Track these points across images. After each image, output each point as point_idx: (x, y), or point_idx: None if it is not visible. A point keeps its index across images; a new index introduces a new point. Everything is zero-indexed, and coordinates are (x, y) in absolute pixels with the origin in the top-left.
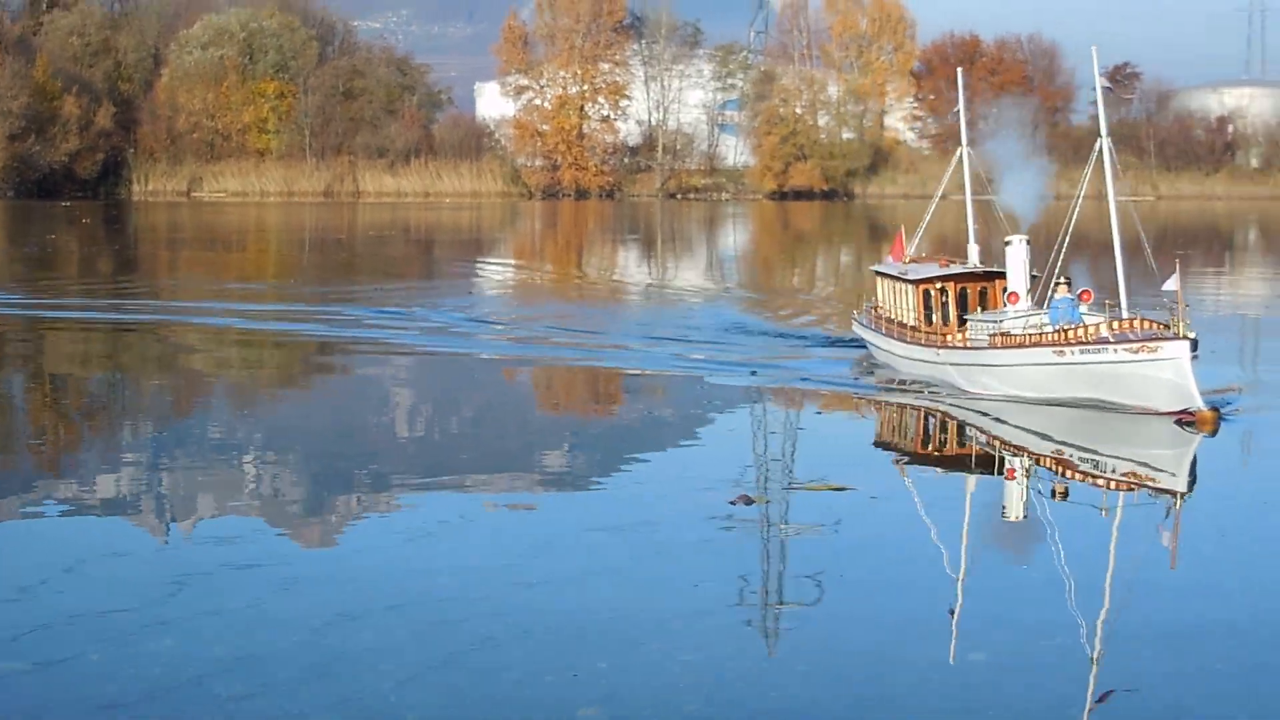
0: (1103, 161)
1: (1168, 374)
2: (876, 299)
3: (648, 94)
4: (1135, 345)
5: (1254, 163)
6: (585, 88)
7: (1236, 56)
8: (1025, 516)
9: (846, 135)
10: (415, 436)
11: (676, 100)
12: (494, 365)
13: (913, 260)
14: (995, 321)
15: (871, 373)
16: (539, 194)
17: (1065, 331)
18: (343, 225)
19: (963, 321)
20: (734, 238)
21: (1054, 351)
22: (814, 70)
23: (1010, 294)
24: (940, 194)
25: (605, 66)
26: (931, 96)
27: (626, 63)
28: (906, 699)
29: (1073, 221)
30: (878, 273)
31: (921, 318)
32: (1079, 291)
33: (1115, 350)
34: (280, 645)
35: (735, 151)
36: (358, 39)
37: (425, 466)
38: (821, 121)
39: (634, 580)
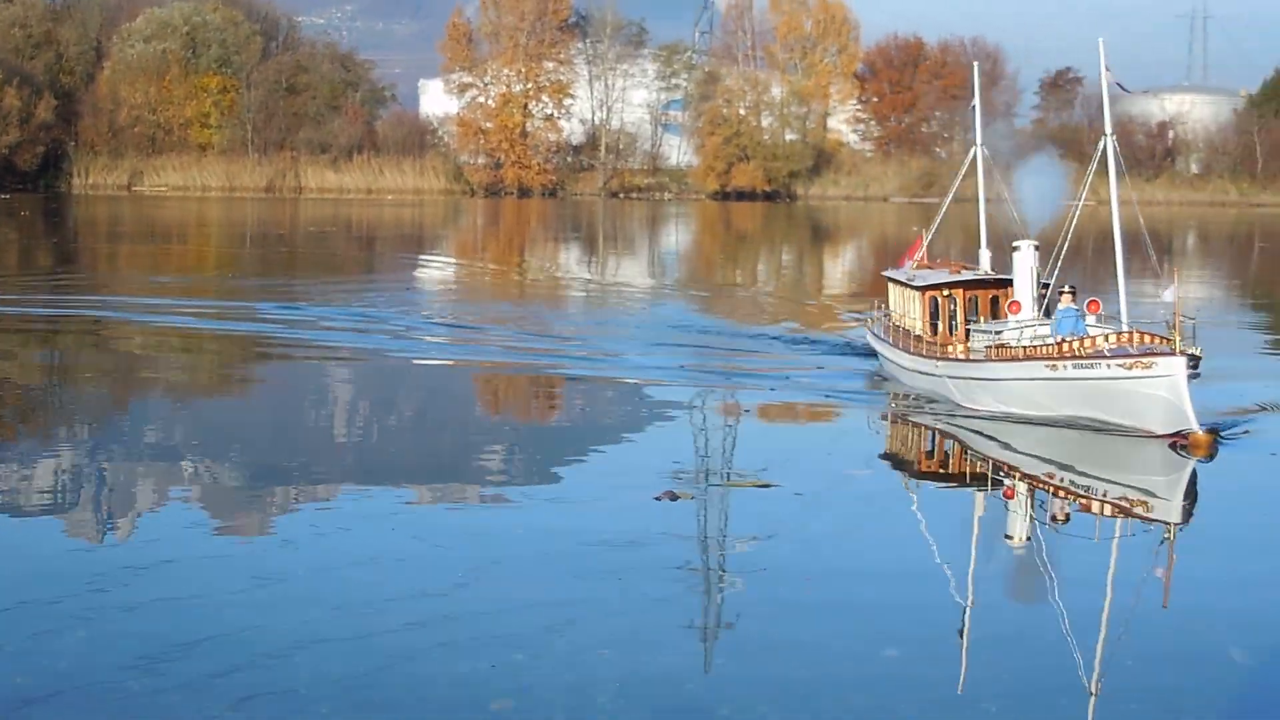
0: (1107, 161)
1: (1162, 392)
2: (889, 306)
3: (591, 93)
4: (1129, 361)
5: (1194, 169)
6: (529, 86)
7: (1178, 63)
8: (963, 516)
9: (789, 136)
10: (342, 436)
11: (620, 99)
12: (432, 367)
13: (924, 265)
14: (996, 333)
15: (881, 387)
16: (482, 192)
17: (1059, 345)
18: (284, 221)
19: (969, 333)
20: (676, 237)
21: (1047, 366)
22: (758, 71)
23: (1012, 303)
24: (951, 196)
25: (549, 65)
26: (875, 99)
27: (571, 61)
28: (823, 691)
29: (1073, 225)
30: (888, 278)
31: (927, 327)
32: (1086, 302)
33: (1109, 366)
34: (191, 640)
35: (678, 151)
36: (302, 34)
37: (349, 465)
38: (765, 122)
39: (557, 574)
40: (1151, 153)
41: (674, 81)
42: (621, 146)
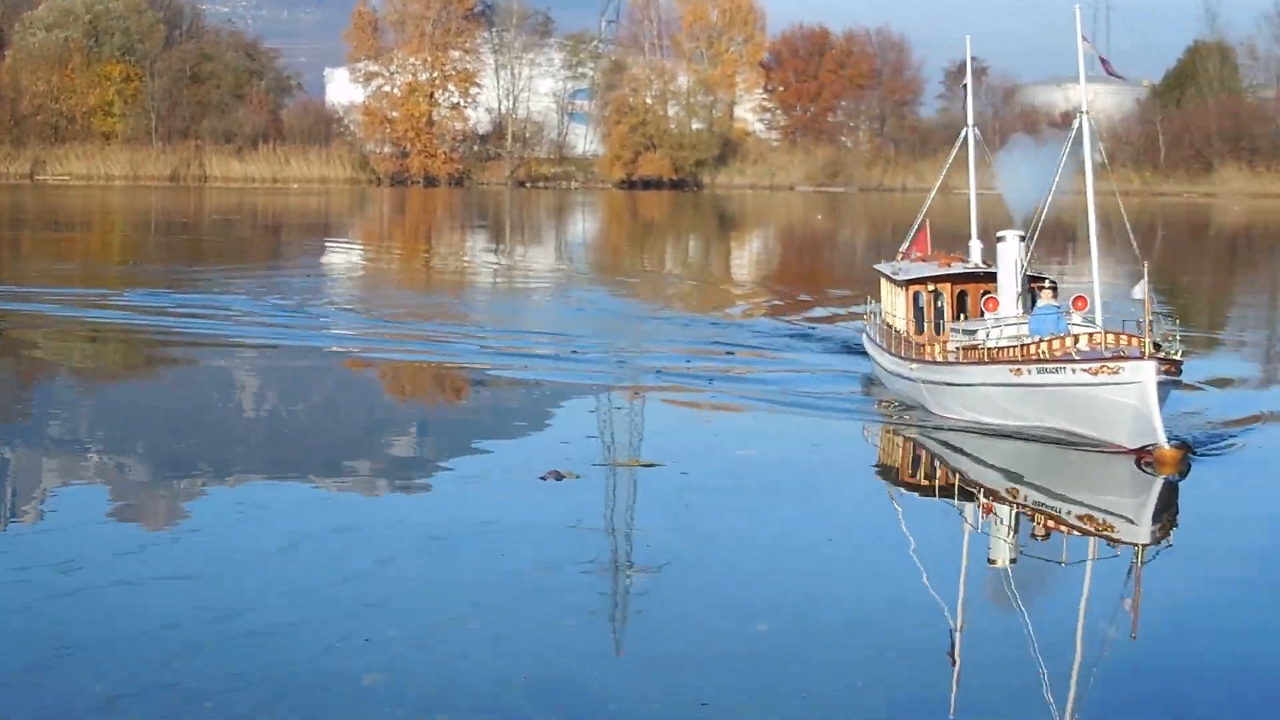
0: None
1: (1131, 401)
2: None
3: (498, 82)
4: (1094, 365)
5: (1097, 158)
6: (435, 75)
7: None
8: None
9: (696, 125)
10: (232, 428)
11: (526, 89)
12: (333, 357)
13: (918, 258)
14: (970, 332)
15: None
16: (387, 181)
17: (1024, 347)
18: (189, 209)
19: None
20: (584, 226)
21: (1011, 371)
22: (664, 60)
23: (988, 299)
24: (939, 185)
25: (455, 54)
26: (781, 88)
27: (477, 50)
28: (693, 665)
29: (1043, 216)
30: (879, 272)
31: (911, 325)
32: (1073, 298)
33: (1073, 371)
34: (62, 619)
35: (585, 140)
36: (206, 22)
37: (235, 456)
38: (671, 111)
39: (437, 553)
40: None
41: (580, 71)
42: (528, 136)
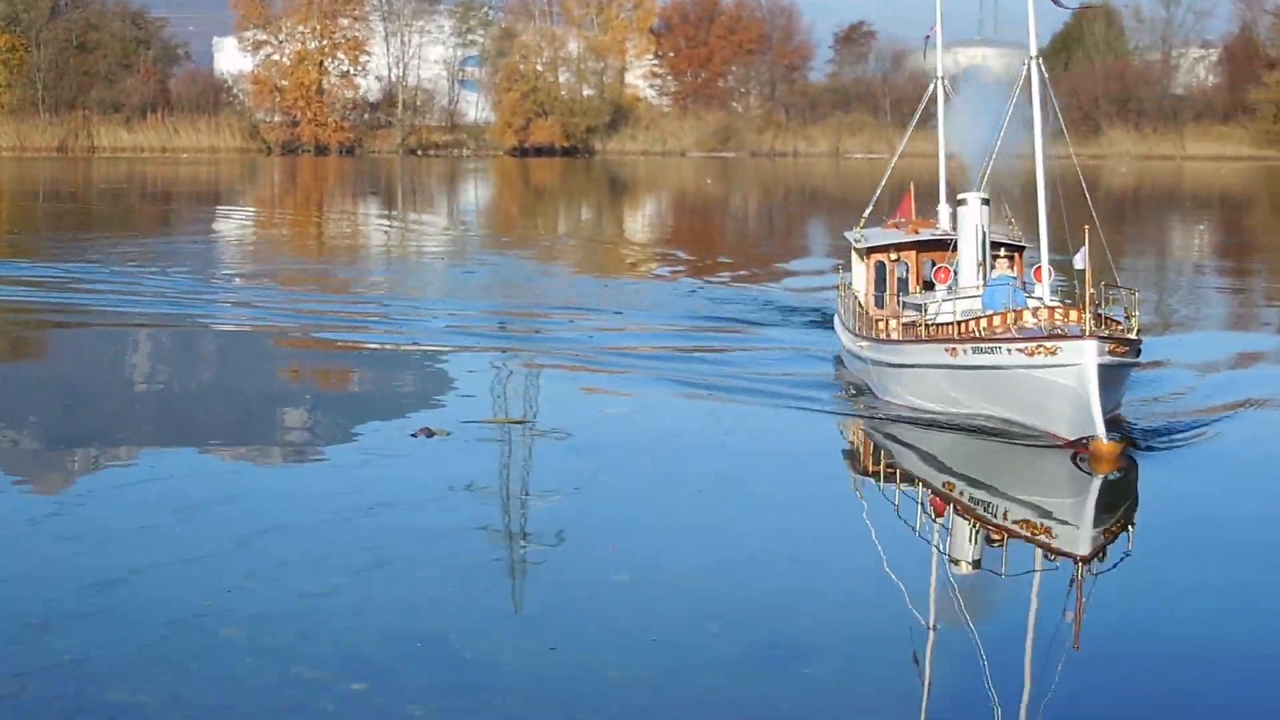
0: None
1: (1070, 384)
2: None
3: (388, 50)
4: (1030, 345)
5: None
6: (324, 43)
7: (970, 17)
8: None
9: (587, 92)
10: (109, 402)
11: (417, 56)
12: (221, 331)
13: (891, 224)
14: (918, 307)
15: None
16: (278, 149)
17: (963, 323)
18: (76, 180)
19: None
20: (477, 193)
21: (947, 350)
22: (554, 27)
23: (937, 269)
24: (904, 146)
25: (344, 22)
26: (671, 54)
27: (366, 18)
28: (553, 615)
29: (989, 169)
30: (847, 241)
31: (870, 300)
32: (1034, 268)
33: (1009, 351)
34: None
35: (476, 108)
36: None
37: (116, 428)
38: (562, 78)
39: (304, 508)
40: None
41: (470, 38)
42: (419, 103)
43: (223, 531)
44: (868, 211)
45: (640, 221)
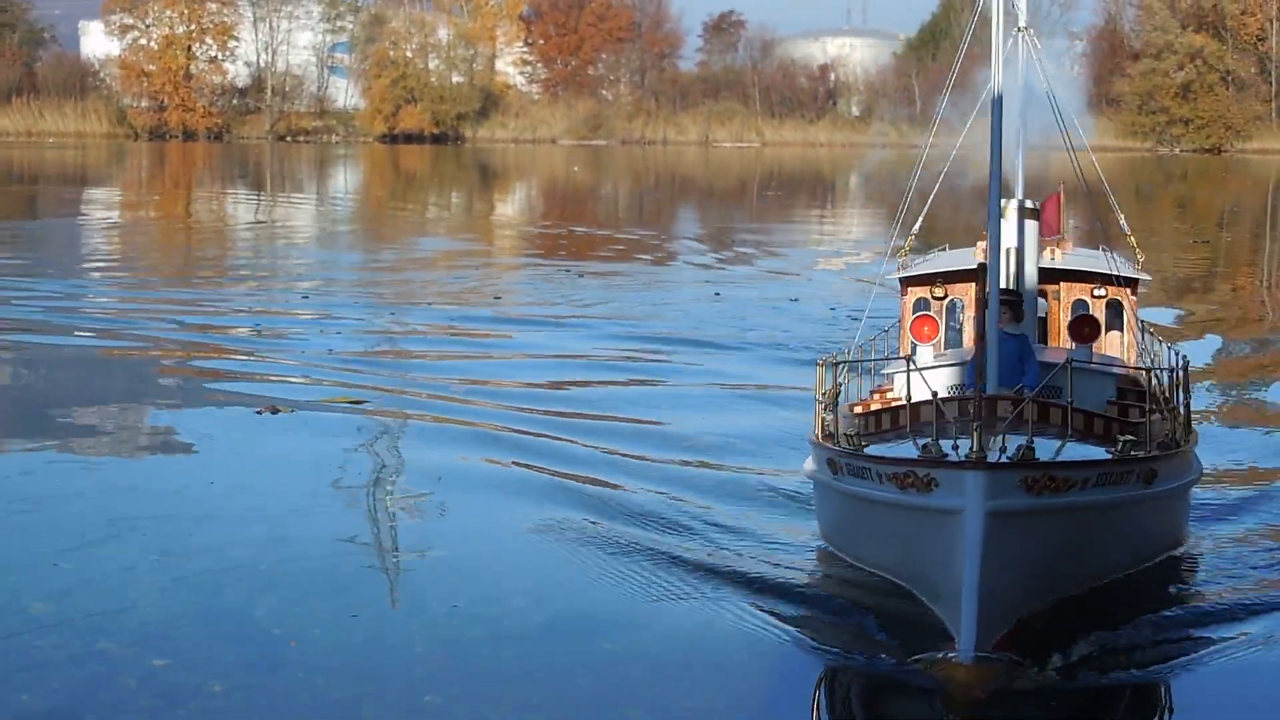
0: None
1: (955, 546)
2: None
3: (256, 35)
4: (903, 472)
5: (854, 111)
6: (192, 28)
7: (838, 6)
8: None
9: (456, 79)
10: None
11: (285, 42)
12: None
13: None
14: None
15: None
16: (146, 135)
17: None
18: None
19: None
20: (346, 179)
21: (829, 464)
22: (424, 13)
23: (917, 319)
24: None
25: (212, 6)
26: (541, 42)
27: (234, 3)
28: (347, 588)
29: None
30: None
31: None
32: (1072, 319)
33: (881, 480)
34: None
35: (346, 94)
36: None
37: None
38: (431, 65)
39: (125, 486)
40: (814, 95)
41: (340, 24)
42: (288, 89)
43: (35, 512)
44: (916, 228)
45: (509, 208)
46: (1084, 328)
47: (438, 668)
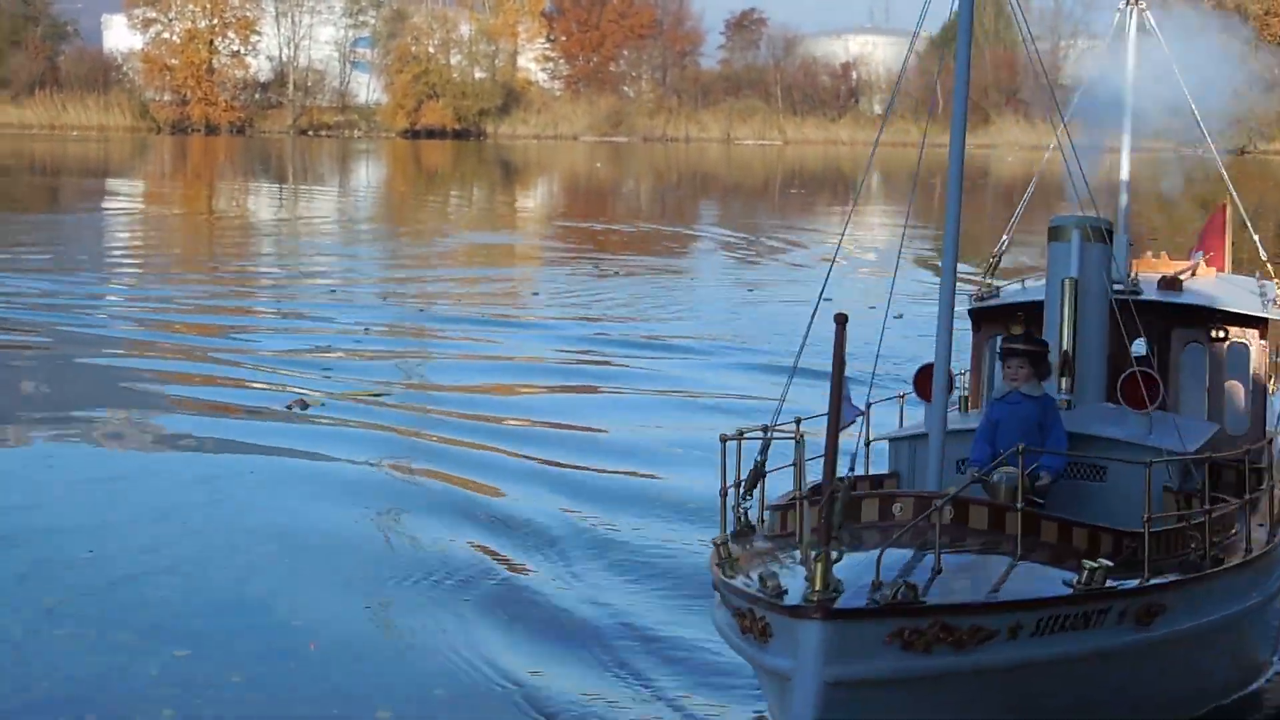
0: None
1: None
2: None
3: (279, 30)
4: (745, 611)
5: (876, 109)
6: (215, 22)
7: (860, 5)
8: None
9: (479, 75)
10: None
11: (308, 36)
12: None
13: (1186, 268)
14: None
15: None
16: (168, 129)
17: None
18: None
19: None
20: (367, 174)
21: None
22: (446, 9)
23: (921, 371)
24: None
25: (235, 1)
26: (563, 38)
27: None
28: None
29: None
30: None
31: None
32: (1125, 375)
33: (731, 614)
34: None
35: (368, 89)
36: None
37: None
38: (454, 61)
39: (149, 475)
40: (836, 93)
41: (362, 19)
42: (310, 84)
43: (59, 502)
44: (1005, 241)
45: (532, 205)
46: (1138, 387)
47: (448, 664)
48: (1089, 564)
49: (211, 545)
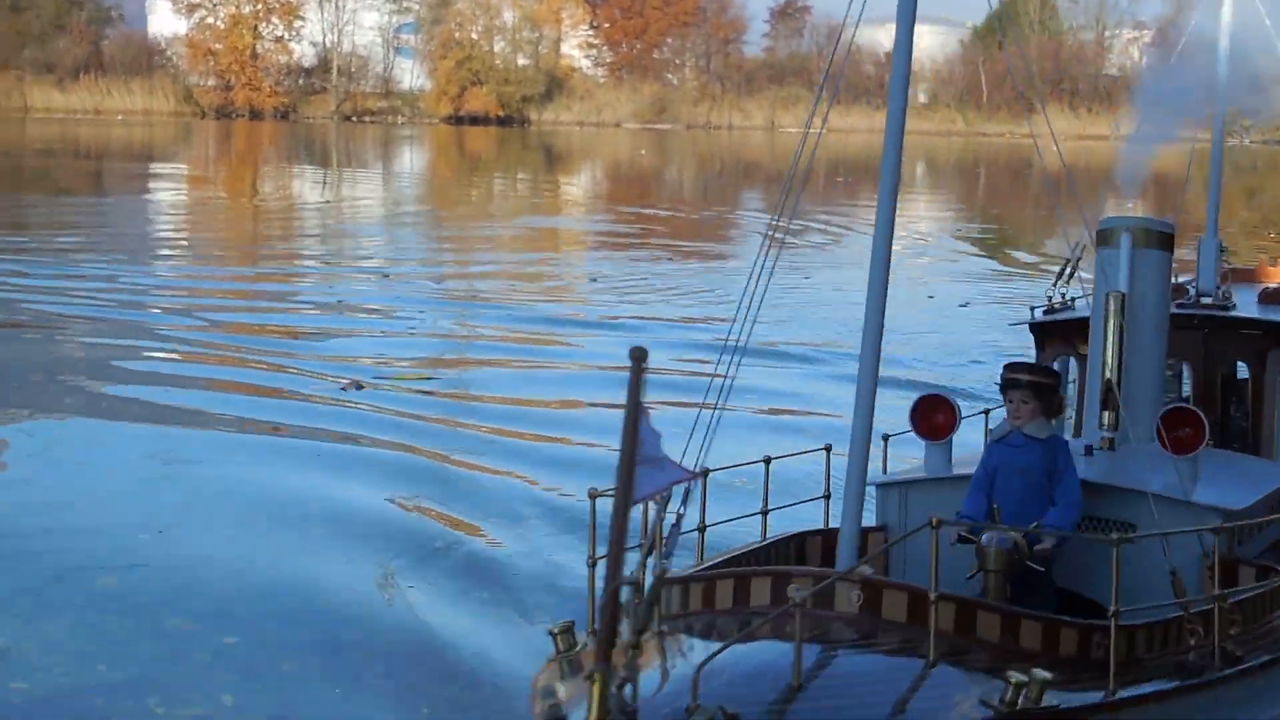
0: None
1: None
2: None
3: (322, 15)
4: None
5: (921, 99)
6: (258, 7)
7: None
8: None
9: (522, 61)
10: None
11: (351, 22)
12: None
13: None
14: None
15: None
16: (212, 114)
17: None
18: (10, 141)
19: None
20: (411, 159)
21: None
22: None
23: (919, 404)
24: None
25: None
26: (607, 25)
27: None
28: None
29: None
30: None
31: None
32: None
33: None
34: None
35: (411, 75)
36: None
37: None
38: (497, 47)
39: (195, 460)
40: (880, 82)
41: (405, 4)
42: (353, 70)
43: (117, 484)
44: (1080, 246)
45: (577, 191)
46: (1177, 428)
47: (507, 650)
48: (1015, 677)
49: (266, 530)
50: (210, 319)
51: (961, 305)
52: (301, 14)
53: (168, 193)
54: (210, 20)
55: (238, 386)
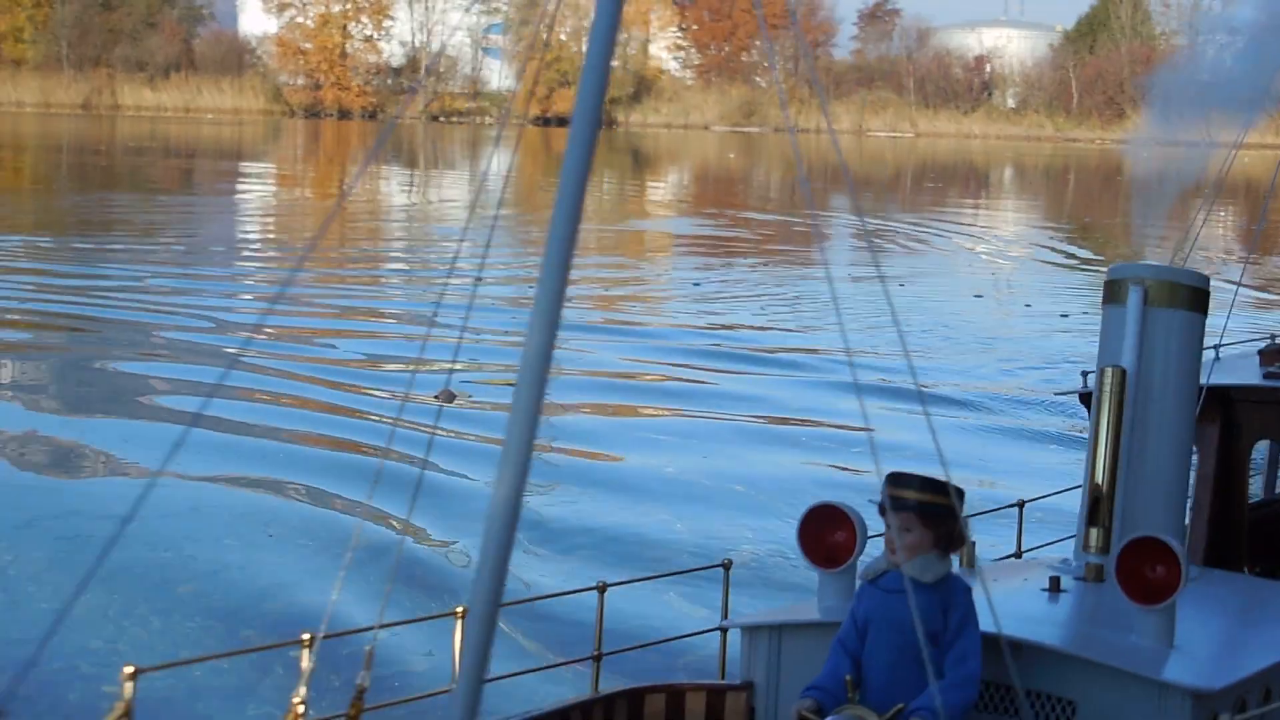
0: None
1: None
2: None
3: (411, 15)
4: None
5: (1010, 103)
6: (348, 7)
7: None
8: None
9: (611, 63)
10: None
11: (440, 22)
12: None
13: None
14: None
15: None
16: (301, 113)
17: None
18: (102, 139)
19: None
20: (497, 161)
21: None
22: None
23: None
24: None
25: None
26: (695, 27)
27: None
28: None
29: None
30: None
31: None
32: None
33: None
34: None
35: (499, 76)
36: None
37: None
38: (585, 49)
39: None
40: (969, 86)
41: (494, 5)
42: (442, 70)
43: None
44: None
45: (664, 192)
46: (1145, 563)
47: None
48: None
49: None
50: (297, 323)
51: (1062, 315)
52: (391, 14)
53: (265, 191)
54: (300, 19)
55: (335, 384)
